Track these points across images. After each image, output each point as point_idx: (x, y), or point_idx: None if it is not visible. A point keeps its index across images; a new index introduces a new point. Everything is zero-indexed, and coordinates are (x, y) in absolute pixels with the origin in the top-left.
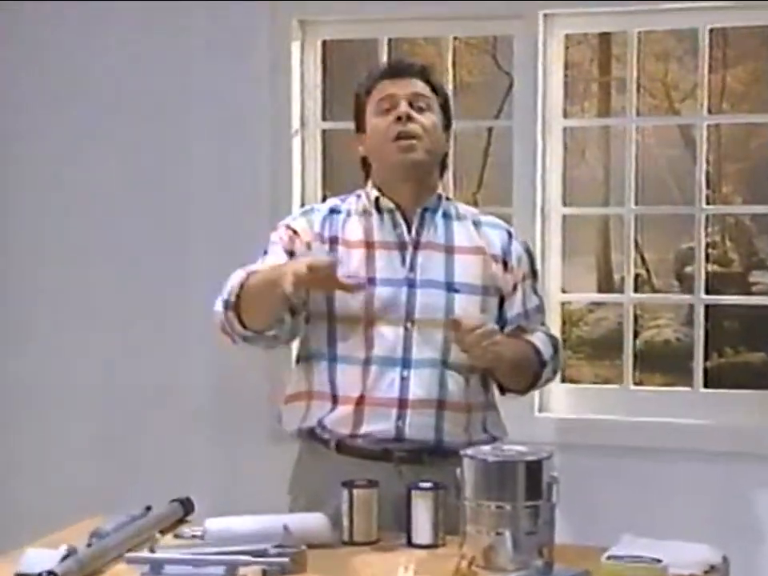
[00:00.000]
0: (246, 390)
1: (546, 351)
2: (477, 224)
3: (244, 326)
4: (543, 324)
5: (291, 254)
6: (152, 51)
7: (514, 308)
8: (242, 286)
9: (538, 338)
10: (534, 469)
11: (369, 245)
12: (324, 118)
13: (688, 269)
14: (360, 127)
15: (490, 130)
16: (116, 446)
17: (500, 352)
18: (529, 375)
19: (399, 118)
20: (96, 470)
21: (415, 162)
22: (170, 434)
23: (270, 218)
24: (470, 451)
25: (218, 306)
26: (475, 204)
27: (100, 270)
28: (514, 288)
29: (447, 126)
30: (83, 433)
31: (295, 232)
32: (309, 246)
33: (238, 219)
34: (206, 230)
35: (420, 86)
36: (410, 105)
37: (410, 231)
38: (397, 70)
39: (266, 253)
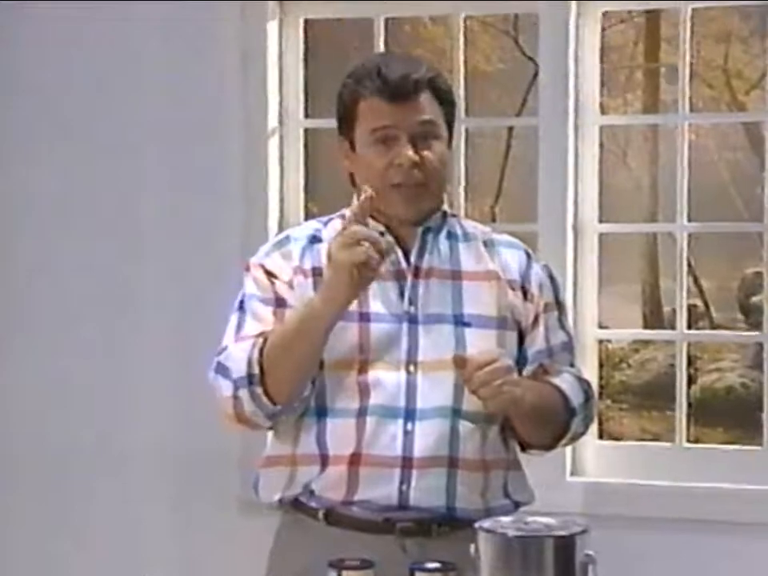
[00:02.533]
0: (213, 450)
1: (576, 397)
2: (488, 244)
3: (272, 401)
4: (572, 365)
5: (278, 301)
6: (97, 32)
7: (535, 344)
8: (261, 353)
9: (564, 381)
10: (566, 546)
11: None
12: (307, 115)
13: (755, 299)
14: (345, 135)
15: (510, 129)
16: (57, 518)
17: (517, 394)
18: (554, 426)
19: (400, 164)
20: (36, 546)
21: (422, 212)
22: (121, 504)
23: (241, 240)
24: (486, 524)
25: (229, 390)
26: (492, 219)
27: (36, 303)
28: (536, 320)
29: (450, 133)
30: (18, 501)
31: (272, 274)
32: (291, 284)
33: (201, 242)
34: (161, 255)
35: (425, 106)
36: (413, 139)
37: (407, 257)
38: (399, 91)
39: (241, 308)
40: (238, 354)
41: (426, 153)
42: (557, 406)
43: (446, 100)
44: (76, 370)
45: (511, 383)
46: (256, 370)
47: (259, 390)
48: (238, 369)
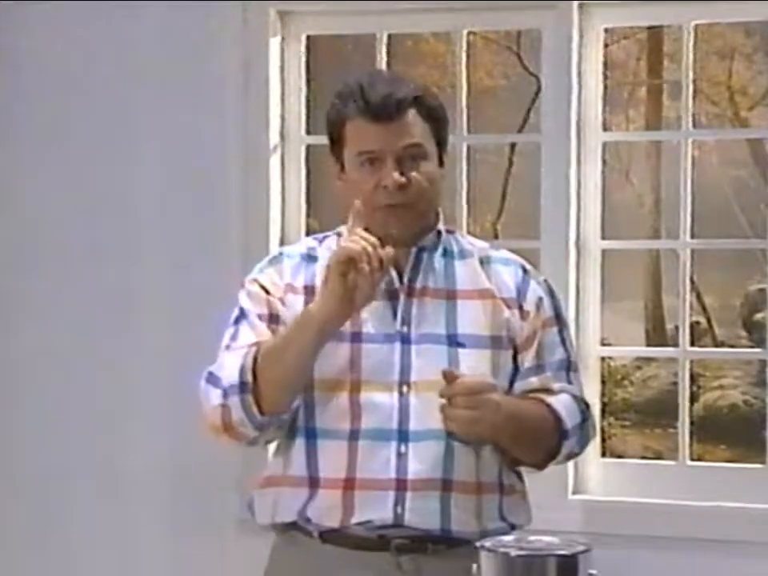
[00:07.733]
0: (212, 470)
1: (570, 418)
2: (484, 261)
3: (262, 410)
4: (571, 383)
5: (272, 317)
6: (94, 46)
7: (526, 361)
8: (255, 361)
9: (560, 402)
10: (568, 565)
11: None
12: (309, 131)
13: (758, 316)
14: (336, 156)
15: (512, 145)
16: (54, 538)
17: (493, 421)
18: (543, 448)
19: (386, 187)
20: (32, 565)
21: (410, 232)
22: (119, 524)
23: (242, 256)
24: (488, 543)
25: (218, 399)
26: (495, 236)
27: (26, 331)
28: (530, 338)
29: (442, 150)
30: (14, 524)
31: (266, 289)
32: (282, 301)
33: (202, 258)
34: (161, 270)
35: (411, 126)
36: (400, 160)
37: (401, 277)
38: (382, 112)
39: (237, 322)
40: (231, 362)
41: (412, 174)
42: (546, 427)
43: (433, 117)
44: (74, 389)
45: (489, 410)
46: (249, 378)
47: (250, 399)
48: (230, 376)
